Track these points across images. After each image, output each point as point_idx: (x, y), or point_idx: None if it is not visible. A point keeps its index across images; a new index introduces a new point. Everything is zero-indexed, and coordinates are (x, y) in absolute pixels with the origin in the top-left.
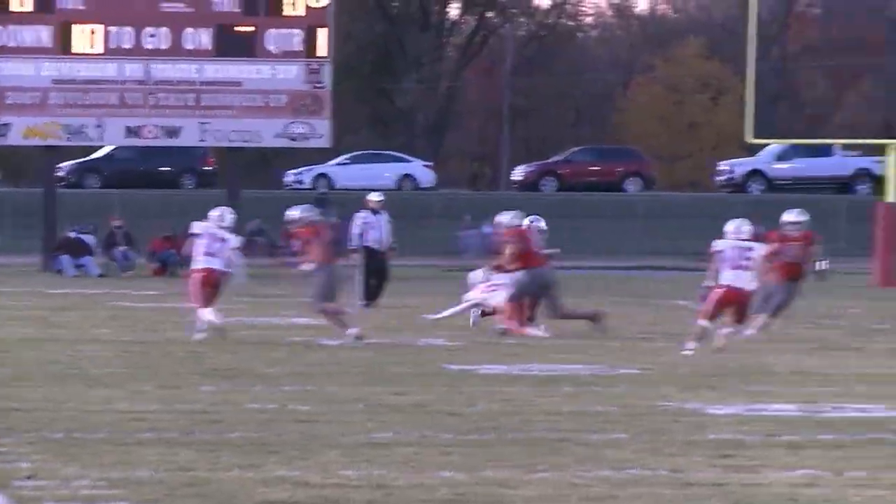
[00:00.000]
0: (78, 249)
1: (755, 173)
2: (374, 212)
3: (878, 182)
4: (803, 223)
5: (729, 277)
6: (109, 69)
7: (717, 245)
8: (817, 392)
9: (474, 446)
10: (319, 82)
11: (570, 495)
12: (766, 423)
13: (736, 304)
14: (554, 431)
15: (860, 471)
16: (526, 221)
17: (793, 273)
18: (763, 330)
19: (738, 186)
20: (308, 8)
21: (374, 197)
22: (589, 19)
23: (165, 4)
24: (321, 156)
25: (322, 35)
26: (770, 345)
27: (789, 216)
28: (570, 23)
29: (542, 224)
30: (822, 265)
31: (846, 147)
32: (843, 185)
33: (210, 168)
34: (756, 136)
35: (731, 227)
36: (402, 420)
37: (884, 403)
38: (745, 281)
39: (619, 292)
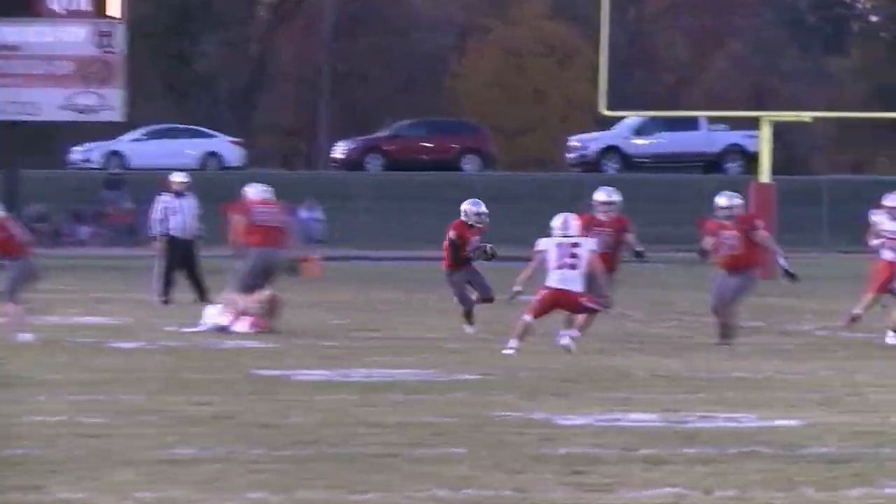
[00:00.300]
0: None
1: (611, 150)
2: (178, 194)
3: (750, 159)
4: (616, 204)
5: (554, 278)
6: None
7: (540, 244)
8: (681, 399)
9: (289, 463)
10: (110, 46)
11: None
12: (623, 435)
13: (564, 306)
14: (380, 446)
15: (730, 489)
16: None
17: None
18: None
19: (591, 164)
20: None
21: (176, 178)
22: None
23: None
24: (113, 130)
25: None
26: (626, 345)
27: (599, 195)
28: None
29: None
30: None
31: (714, 120)
32: (711, 163)
33: None
34: (611, 108)
35: (557, 222)
36: (205, 433)
37: (755, 412)
38: (572, 281)
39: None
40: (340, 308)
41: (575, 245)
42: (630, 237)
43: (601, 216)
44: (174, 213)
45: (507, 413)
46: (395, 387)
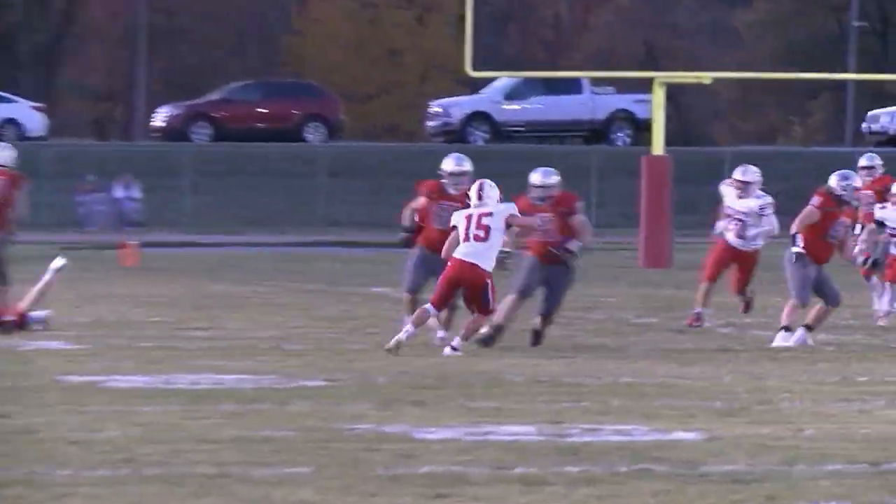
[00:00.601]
0: None
1: (478, 116)
2: None
3: (641, 128)
4: (553, 185)
5: (461, 250)
6: None
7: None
8: (562, 409)
9: (103, 485)
10: None
11: None
12: (496, 451)
13: (468, 283)
14: (211, 465)
15: None
16: None
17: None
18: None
19: (455, 133)
20: None
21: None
22: None
23: None
24: None
25: None
26: (497, 346)
27: (536, 177)
28: None
29: None
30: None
31: (598, 82)
32: (596, 132)
33: None
34: (478, 68)
35: (472, 189)
36: (4, 451)
37: (648, 424)
38: (480, 255)
39: (297, 276)
40: (162, 303)
41: (488, 215)
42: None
43: (537, 201)
44: None
45: (359, 426)
46: (228, 395)
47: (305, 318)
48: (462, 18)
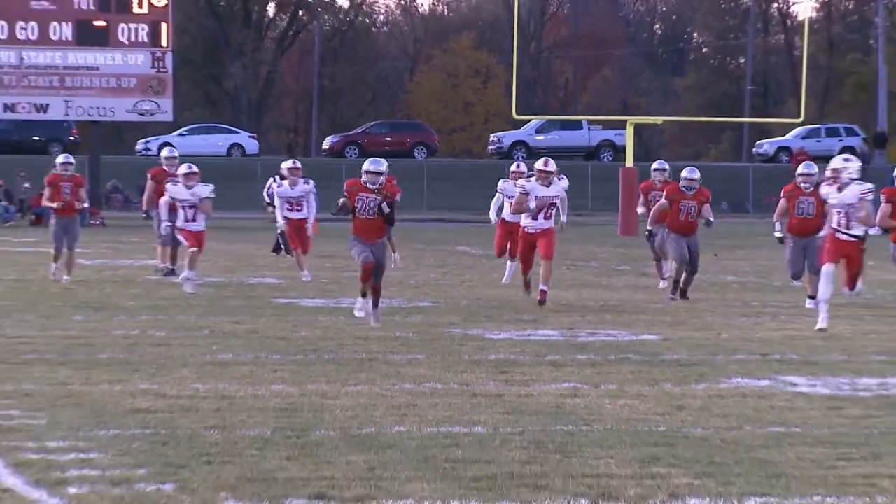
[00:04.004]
0: None
1: (519, 143)
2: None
3: (618, 151)
4: (697, 180)
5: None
6: None
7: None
8: (574, 321)
9: (299, 365)
10: (163, 68)
11: (378, 405)
12: (535, 346)
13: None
14: (363, 353)
15: (611, 384)
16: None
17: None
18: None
19: (505, 154)
20: (151, 6)
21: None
22: (381, 17)
23: (34, 3)
24: (165, 128)
25: (164, 29)
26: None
27: (683, 173)
28: (366, 20)
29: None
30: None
31: (593, 123)
32: (590, 153)
33: (74, 138)
34: (519, 113)
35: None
36: (240, 344)
37: (627, 330)
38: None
39: (412, 240)
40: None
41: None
42: (706, 208)
43: (685, 189)
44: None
45: (452, 330)
46: (384, 312)
47: (417, 265)
48: (510, 84)
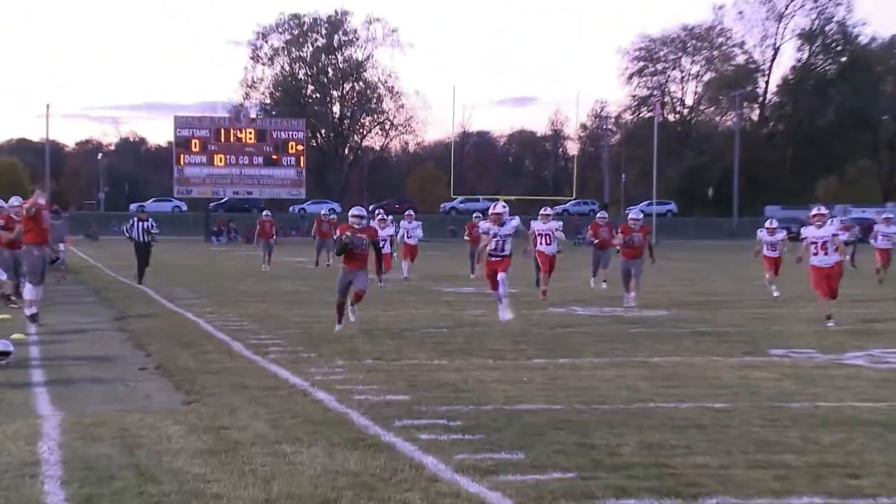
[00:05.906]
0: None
1: None
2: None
3: None
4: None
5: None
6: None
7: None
8: (582, 300)
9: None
10: (300, 175)
11: None
12: (552, 319)
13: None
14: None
15: (643, 353)
16: None
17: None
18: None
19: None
20: (297, 150)
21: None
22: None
23: (246, 147)
24: (299, 201)
25: (301, 160)
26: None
27: (631, 214)
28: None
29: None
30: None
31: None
32: None
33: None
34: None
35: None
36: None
37: (614, 308)
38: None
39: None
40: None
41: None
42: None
43: (632, 224)
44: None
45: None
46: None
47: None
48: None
